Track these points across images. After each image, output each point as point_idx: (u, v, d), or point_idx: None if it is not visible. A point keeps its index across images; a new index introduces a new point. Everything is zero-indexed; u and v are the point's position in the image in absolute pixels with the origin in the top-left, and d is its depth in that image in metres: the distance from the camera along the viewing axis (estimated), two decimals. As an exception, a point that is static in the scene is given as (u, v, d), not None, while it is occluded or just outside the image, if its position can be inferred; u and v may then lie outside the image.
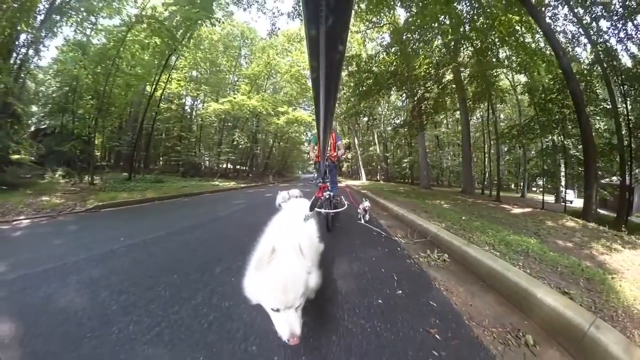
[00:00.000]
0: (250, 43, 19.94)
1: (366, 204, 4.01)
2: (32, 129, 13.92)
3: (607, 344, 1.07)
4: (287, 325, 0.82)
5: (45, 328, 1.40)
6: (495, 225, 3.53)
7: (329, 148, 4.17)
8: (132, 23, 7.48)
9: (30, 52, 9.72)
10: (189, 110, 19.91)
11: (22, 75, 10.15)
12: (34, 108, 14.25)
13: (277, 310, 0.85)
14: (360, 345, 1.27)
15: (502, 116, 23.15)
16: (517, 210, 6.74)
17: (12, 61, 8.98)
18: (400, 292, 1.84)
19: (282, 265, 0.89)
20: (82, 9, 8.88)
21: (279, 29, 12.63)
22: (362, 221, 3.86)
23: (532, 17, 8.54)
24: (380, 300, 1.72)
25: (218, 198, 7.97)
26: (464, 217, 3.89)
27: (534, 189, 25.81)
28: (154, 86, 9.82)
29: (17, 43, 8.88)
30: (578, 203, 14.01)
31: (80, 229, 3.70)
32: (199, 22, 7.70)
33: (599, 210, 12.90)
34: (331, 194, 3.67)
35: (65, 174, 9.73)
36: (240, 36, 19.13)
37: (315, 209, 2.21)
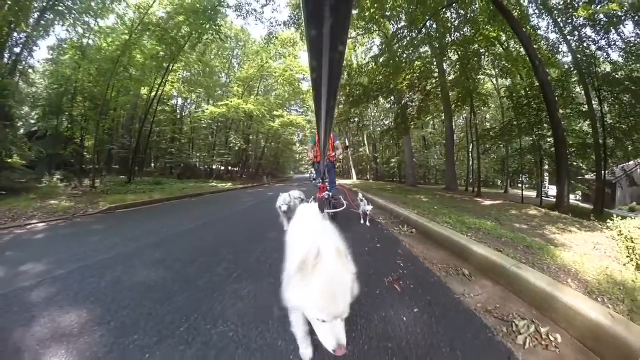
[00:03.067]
0: (243, 45, 20.10)
1: (368, 207, 3.77)
2: (21, 131, 13.58)
3: (529, 278, 1.59)
4: (333, 336, 0.77)
5: (128, 300, 1.65)
6: (461, 212, 4.24)
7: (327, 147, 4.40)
8: (134, 28, 7.65)
9: (22, 51, 9.46)
10: (178, 111, 19.86)
11: (17, 75, 9.98)
12: (24, 109, 13.93)
13: (323, 321, 0.79)
14: (355, 266, 2.05)
15: (487, 116, 24.21)
16: (487, 202, 7.48)
17: (5, 60, 8.82)
18: (379, 245, 2.83)
19: (329, 272, 0.81)
20: (78, 8, 8.83)
21: (276, 37, 12.99)
22: (365, 221, 3.81)
23: (513, 29, 9.20)
24: (366, 248, 2.71)
25: (223, 197, 8.33)
26: (435, 207, 4.59)
27: (519, 185, 27.17)
28: (156, 89, 9.92)
29: (10, 42, 8.70)
30: None
31: (109, 227, 3.95)
32: (206, 36, 7.98)
33: (581, 203, 13.95)
34: (330, 193, 3.74)
35: (63, 177, 9.66)
36: (234, 38, 19.27)
37: None
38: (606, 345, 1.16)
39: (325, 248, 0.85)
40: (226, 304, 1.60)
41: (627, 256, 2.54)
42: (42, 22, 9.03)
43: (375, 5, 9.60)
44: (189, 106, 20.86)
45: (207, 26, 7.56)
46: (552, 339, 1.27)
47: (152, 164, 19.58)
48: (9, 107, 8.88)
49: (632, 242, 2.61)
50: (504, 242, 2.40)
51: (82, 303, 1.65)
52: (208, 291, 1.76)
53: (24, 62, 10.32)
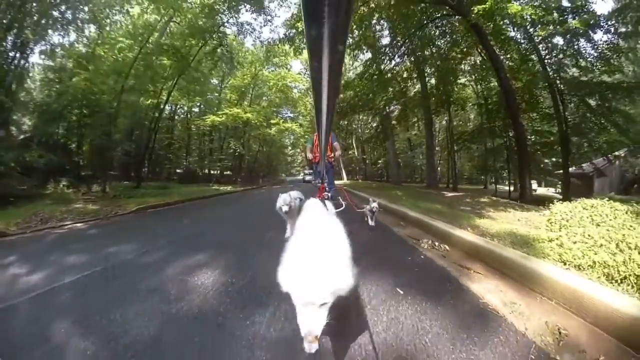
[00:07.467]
0: (237, 53, 20.75)
1: (374, 205, 3.64)
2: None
3: (438, 225, 2.88)
4: (306, 323, 0.78)
5: (232, 241, 3.02)
6: (422, 201, 5.44)
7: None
8: (143, 44, 8.31)
9: (19, 56, 9.59)
10: (169, 117, 20.26)
11: (14, 83, 10.10)
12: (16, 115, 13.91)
13: (300, 305, 0.81)
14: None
15: (471, 116, 25.76)
16: (450, 194, 8.76)
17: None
18: (357, 216, 3.90)
19: (310, 258, 0.86)
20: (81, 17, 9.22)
21: (274, 57, 14.18)
22: (371, 222, 3.72)
23: (482, 44, 10.42)
24: (350, 215, 3.74)
25: (236, 197, 9.38)
26: (403, 197, 5.88)
27: (500, 181, 29.03)
28: (163, 100, 10.47)
29: (12, 48, 8.92)
30: (540, 192, 17.00)
31: (160, 220, 4.79)
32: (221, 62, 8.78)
33: (559, 196, 15.30)
34: (329, 194, 4.06)
35: (69, 184, 9.85)
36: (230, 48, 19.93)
37: None
38: (482, 254, 2.19)
39: (313, 239, 0.90)
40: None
41: (546, 226, 3.54)
42: (41, 29, 9.24)
43: (361, 31, 10.63)
44: (182, 112, 21.28)
45: (220, 51, 8.40)
46: (442, 247, 2.50)
47: (147, 170, 19.86)
48: (9, 114, 9.09)
49: (553, 215, 3.61)
50: (439, 214, 3.62)
51: (199, 252, 2.57)
52: (275, 235, 3.00)
53: (23, 70, 10.45)
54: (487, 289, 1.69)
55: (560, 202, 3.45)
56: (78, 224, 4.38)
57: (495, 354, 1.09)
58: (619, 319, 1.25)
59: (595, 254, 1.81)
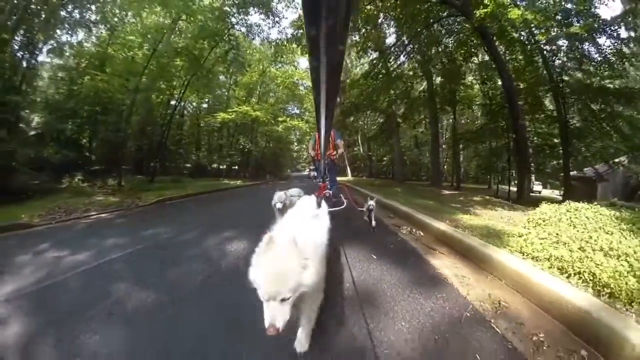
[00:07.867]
0: (245, 51, 21.15)
1: (371, 203, 3.60)
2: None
3: (418, 216, 3.39)
4: (269, 316, 0.83)
5: (257, 220, 3.60)
6: (417, 198, 5.77)
7: (328, 146, 4.18)
8: (156, 46, 8.71)
9: (29, 56, 9.77)
10: (179, 113, 20.79)
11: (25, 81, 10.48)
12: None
13: (264, 300, 0.86)
14: (341, 218, 3.29)
15: (479, 114, 25.65)
16: (448, 192, 9.02)
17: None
18: (357, 212, 4.10)
19: (273, 257, 0.91)
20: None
21: (282, 56, 14.51)
22: (369, 222, 3.72)
23: (487, 46, 10.53)
24: (350, 215, 4.03)
25: (246, 191, 9.87)
26: (400, 194, 6.25)
27: (506, 181, 29.00)
28: (178, 97, 10.86)
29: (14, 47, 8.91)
30: (545, 193, 16.99)
31: (184, 209, 5.30)
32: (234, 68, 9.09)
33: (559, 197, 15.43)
34: (331, 192, 3.96)
35: (84, 178, 10.26)
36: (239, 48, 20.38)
37: None
38: (449, 240, 2.68)
39: (280, 237, 0.95)
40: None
41: (524, 224, 3.84)
42: (50, 29, 9.58)
43: (367, 29, 10.84)
44: (191, 108, 21.81)
45: (230, 56, 8.80)
46: (418, 233, 3.03)
47: (159, 164, 20.49)
48: (20, 113, 9.47)
49: (533, 215, 3.90)
50: (427, 209, 4.00)
51: (226, 231, 3.19)
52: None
53: (34, 70, 10.85)
54: (445, 264, 2.12)
55: (549, 203, 3.67)
56: (103, 214, 4.65)
57: (435, 304, 1.51)
58: (564, 306, 1.38)
59: (556, 249, 1.99)
